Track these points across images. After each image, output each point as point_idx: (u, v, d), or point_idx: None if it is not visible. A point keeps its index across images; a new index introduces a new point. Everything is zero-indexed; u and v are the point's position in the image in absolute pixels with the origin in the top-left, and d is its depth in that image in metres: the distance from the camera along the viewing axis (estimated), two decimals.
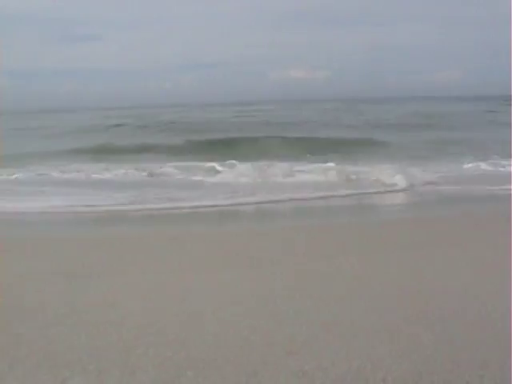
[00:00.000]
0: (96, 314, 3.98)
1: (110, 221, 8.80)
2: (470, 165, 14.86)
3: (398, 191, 11.35)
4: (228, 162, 14.98)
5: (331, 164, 14.30)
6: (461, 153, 16.74)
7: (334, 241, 6.51)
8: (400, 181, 11.58)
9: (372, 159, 14.85)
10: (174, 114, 43.94)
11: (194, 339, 3.47)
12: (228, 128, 27.93)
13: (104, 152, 19.10)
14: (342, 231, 7.29)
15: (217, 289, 4.56)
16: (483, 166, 14.81)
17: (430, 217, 8.66)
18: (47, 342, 3.50)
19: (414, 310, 3.93)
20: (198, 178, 13.62)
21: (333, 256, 5.64)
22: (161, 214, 9.39)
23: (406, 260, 5.46)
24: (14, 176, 14.27)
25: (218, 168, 14.68)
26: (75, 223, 8.74)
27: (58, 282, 4.83)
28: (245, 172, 13.60)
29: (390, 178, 11.96)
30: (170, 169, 15.06)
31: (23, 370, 3.10)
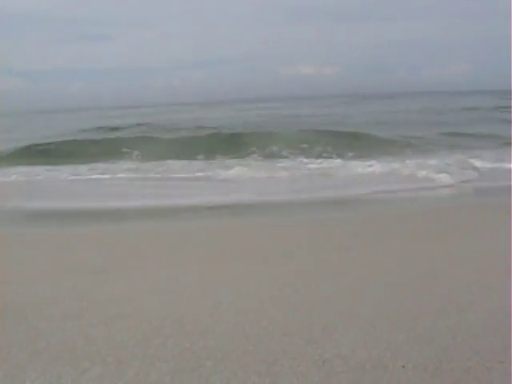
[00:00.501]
0: (113, 307, 3.99)
1: (126, 216, 8.82)
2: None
3: (446, 187, 11.23)
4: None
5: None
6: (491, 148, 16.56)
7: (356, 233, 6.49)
8: (445, 178, 11.58)
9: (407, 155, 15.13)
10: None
11: (212, 329, 3.47)
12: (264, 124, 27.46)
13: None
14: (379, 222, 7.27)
15: (233, 280, 4.56)
16: None
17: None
18: (65, 335, 3.51)
19: (431, 299, 3.92)
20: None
21: (354, 247, 5.63)
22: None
23: (424, 250, 5.45)
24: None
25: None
26: (89, 218, 8.76)
27: (74, 276, 4.85)
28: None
29: (434, 174, 12.01)
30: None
31: (42, 362, 3.12)
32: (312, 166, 14.37)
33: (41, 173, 14.60)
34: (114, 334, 3.49)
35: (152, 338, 3.38)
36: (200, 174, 13.78)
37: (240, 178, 12.80)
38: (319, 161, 15.03)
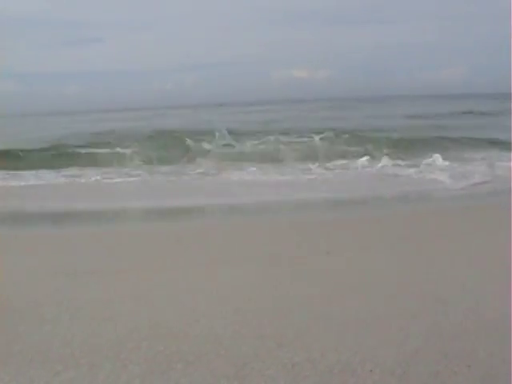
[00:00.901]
0: (92, 310, 4.03)
1: (113, 217, 8.86)
2: None
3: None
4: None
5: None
6: None
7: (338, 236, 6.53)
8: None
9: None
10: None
11: (186, 333, 3.51)
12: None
13: None
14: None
15: (212, 284, 4.59)
16: None
17: None
18: (42, 338, 3.54)
19: (406, 303, 3.97)
20: None
21: (336, 251, 5.66)
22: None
23: (404, 254, 5.50)
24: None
25: None
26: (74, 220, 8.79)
27: (57, 279, 4.88)
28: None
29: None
30: None
31: (16, 365, 3.14)
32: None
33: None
34: (89, 337, 3.52)
35: (126, 342, 3.41)
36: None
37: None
38: None
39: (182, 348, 3.29)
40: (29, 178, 14.01)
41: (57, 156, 17.80)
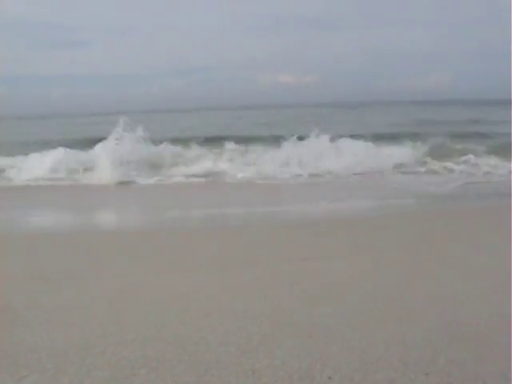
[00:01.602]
0: (62, 315, 4.06)
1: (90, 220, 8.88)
2: None
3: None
4: None
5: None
6: None
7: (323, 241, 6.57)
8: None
9: None
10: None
11: (153, 339, 3.55)
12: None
13: None
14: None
15: (184, 290, 4.63)
16: None
17: None
18: (10, 342, 3.57)
19: (373, 311, 4.01)
20: None
21: (309, 257, 5.71)
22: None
23: (381, 260, 5.54)
24: None
25: None
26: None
27: (30, 283, 4.91)
28: None
29: None
30: None
31: None
32: None
33: None
34: (57, 341, 3.56)
35: (92, 347, 3.45)
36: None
37: None
38: None
39: (146, 353, 3.33)
40: None
41: None
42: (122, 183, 14.11)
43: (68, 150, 16.31)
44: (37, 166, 15.53)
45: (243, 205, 10.42)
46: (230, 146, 17.30)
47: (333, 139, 16.57)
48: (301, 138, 16.41)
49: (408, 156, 16.21)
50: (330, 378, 3.00)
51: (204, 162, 16.05)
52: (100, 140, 16.55)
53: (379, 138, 18.58)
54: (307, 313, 4.00)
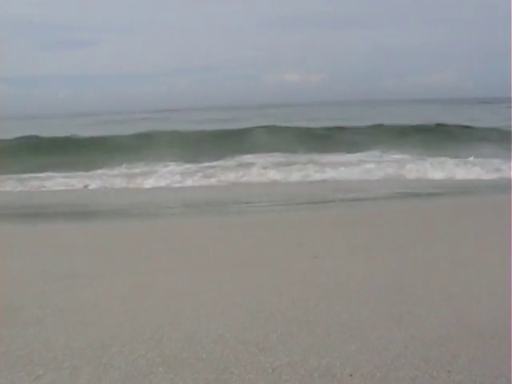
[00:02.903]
0: (76, 314, 4.03)
1: (102, 218, 8.86)
2: None
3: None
4: None
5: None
6: None
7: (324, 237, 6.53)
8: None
9: None
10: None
11: (169, 337, 3.51)
12: None
13: None
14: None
15: (198, 287, 4.60)
16: None
17: None
18: (25, 341, 3.55)
19: (391, 308, 3.97)
20: None
21: (318, 256, 5.66)
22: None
23: (395, 258, 5.49)
24: None
25: None
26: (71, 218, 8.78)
27: (42, 282, 4.88)
28: None
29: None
30: None
31: None
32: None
33: None
34: (72, 340, 3.53)
35: (109, 345, 3.42)
36: None
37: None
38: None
39: (164, 352, 3.30)
40: None
41: None
42: None
43: None
44: None
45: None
46: None
47: None
48: None
49: None
50: (351, 375, 2.96)
51: None
52: None
53: None
54: (323, 311, 3.96)
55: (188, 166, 16.72)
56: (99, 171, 16.45)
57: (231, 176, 14.56)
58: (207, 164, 16.97)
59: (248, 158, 17.91)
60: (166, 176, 14.94)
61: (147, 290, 4.58)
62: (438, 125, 26.90)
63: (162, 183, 14.21)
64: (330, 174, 14.34)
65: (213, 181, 14.22)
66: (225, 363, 3.12)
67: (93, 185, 14.38)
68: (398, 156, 17.07)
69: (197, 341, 3.45)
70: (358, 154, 17.85)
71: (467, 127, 26.36)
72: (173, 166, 16.61)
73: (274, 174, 14.52)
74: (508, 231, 6.26)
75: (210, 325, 3.71)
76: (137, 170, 16.24)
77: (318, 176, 14.13)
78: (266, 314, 3.88)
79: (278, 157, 17.76)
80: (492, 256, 5.42)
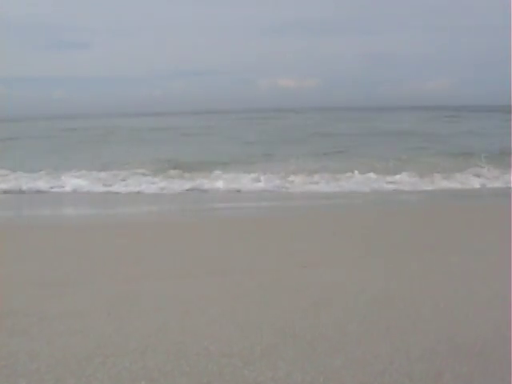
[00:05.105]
0: (62, 323, 4.00)
1: (91, 226, 8.83)
2: None
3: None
4: None
5: None
6: None
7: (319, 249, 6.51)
8: None
9: None
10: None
11: (154, 349, 3.49)
12: None
13: None
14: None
15: (186, 297, 4.58)
16: None
17: None
18: (9, 351, 3.51)
19: (377, 321, 3.95)
20: None
21: (309, 265, 5.65)
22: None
23: (385, 268, 5.48)
24: None
25: None
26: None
27: (30, 290, 4.85)
28: None
29: None
30: None
31: None
32: None
33: None
34: (57, 350, 3.50)
35: (94, 356, 3.39)
36: None
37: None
38: None
39: (147, 364, 3.28)
40: None
41: None
42: None
43: None
44: None
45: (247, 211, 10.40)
46: None
47: None
48: None
49: None
50: None
51: None
52: None
53: None
54: (310, 323, 3.94)
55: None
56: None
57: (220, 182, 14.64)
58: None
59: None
60: (144, 181, 14.94)
61: (133, 299, 4.56)
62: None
63: (137, 189, 14.18)
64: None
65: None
66: (208, 377, 3.10)
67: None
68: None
69: (181, 353, 3.43)
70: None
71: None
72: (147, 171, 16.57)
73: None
74: (498, 242, 6.26)
75: (196, 336, 3.69)
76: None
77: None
78: (253, 326, 3.86)
79: None
80: (482, 268, 5.41)
